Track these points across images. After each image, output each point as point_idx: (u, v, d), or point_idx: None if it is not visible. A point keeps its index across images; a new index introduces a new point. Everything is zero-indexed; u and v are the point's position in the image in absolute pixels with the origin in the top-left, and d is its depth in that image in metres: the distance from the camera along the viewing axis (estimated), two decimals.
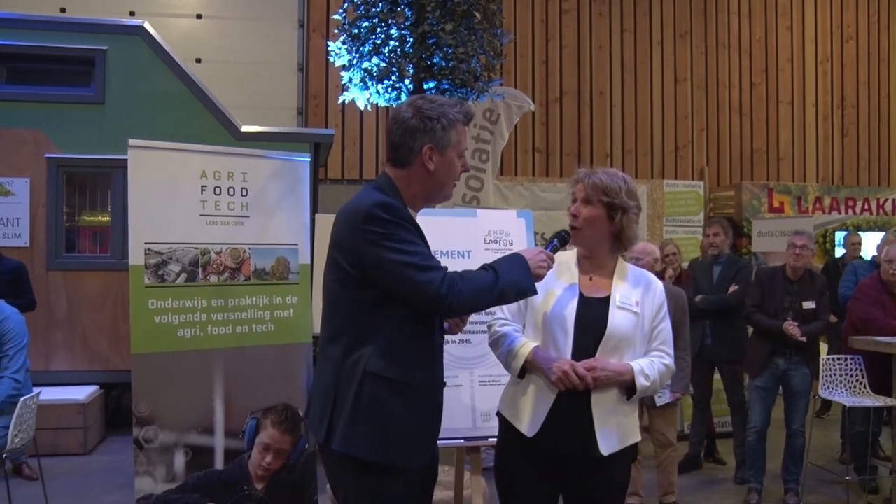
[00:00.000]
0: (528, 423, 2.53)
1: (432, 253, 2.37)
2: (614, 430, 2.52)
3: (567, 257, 2.69)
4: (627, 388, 2.52)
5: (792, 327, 5.15)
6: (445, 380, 2.51)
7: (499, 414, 2.70)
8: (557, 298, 2.56)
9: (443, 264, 2.29)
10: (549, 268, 2.45)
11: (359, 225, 2.25)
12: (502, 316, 2.65)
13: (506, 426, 2.64)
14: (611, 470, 2.56)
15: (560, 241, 2.57)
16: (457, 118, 2.38)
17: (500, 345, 2.60)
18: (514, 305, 2.62)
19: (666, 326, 2.65)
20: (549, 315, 2.55)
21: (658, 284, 2.68)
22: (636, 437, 2.62)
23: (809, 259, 5.39)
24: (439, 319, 2.46)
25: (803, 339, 5.13)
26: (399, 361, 2.29)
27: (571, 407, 2.47)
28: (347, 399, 2.27)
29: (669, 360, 2.62)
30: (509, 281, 2.31)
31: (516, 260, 2.39)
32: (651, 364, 2.55)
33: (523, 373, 2.55)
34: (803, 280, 5.35)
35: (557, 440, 2.50)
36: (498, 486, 2.66)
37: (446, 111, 2.37)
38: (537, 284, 2.46)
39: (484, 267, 2.36)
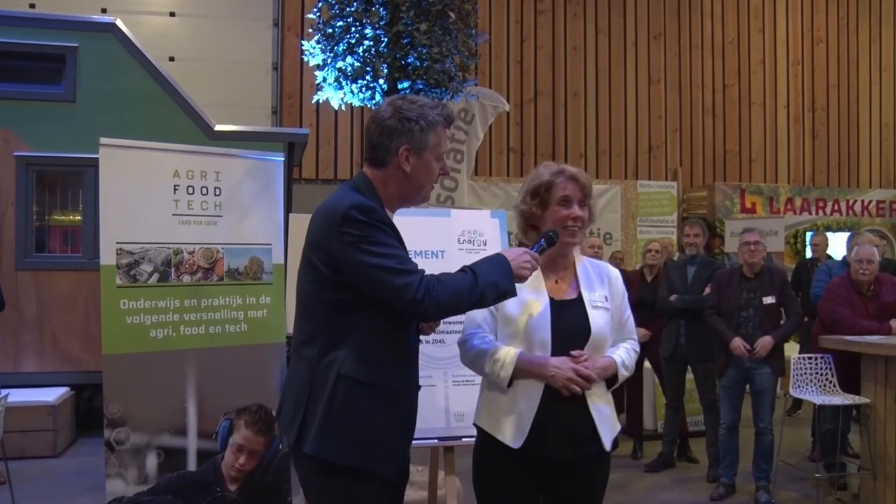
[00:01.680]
0: (512, 433, 2.46)
1: (408, 254, 2.36)
2: (609, 421, 2.54)
3: None
4: (609, 379, 2.55)
5: (739, 346, 5.27)
6: (419, 380, 2.49)
7: (476, 425, 2.62)
8: (528, 307, 2.51)
9: (418, 265, 2.27)
10: (534, 269, 2.39)
11: (335, 226, 2.20)
12: (477, 329, 2.56)
13: (485, 437, 2.56)
14: (596, 469, 2.56)
15: (547, 241, 2.49)
16: (436, 120, 2.34)
17: (483, 358, 2.50)
18: (486, 315, 2.56)
19: (630, 315, 2.70)
20: (523, 324, 2.50)
21: (615, 273, 2.70)
22: (619, 425, 2.66)
23: (763, 254, 5.49)
24: (415, 322, 2.42)
25: (755, 353, 5.26)
26: (374, 364, 2.25)
27: (561, 409, 2.44)
28: (321, 402, 2.23)
29: (637, 346, 2.69)
30: (489, 283, 2.26)
31: (497, 261, 2.33)
32: (628, 353, 2.60)
33: (511, 381, 2.46)
34: (761, 276, 5.43)
35: (551, 446, 2.45)
36: (477, 496, 2.61)
37: (426, 113, 2.32)
38: None
39: (463, 269, 2.30)
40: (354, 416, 2.23)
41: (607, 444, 2.51)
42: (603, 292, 2.59)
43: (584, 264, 2.66)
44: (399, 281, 2.18)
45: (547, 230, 2.53)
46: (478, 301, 2.29)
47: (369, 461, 2.25)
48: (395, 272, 2.18)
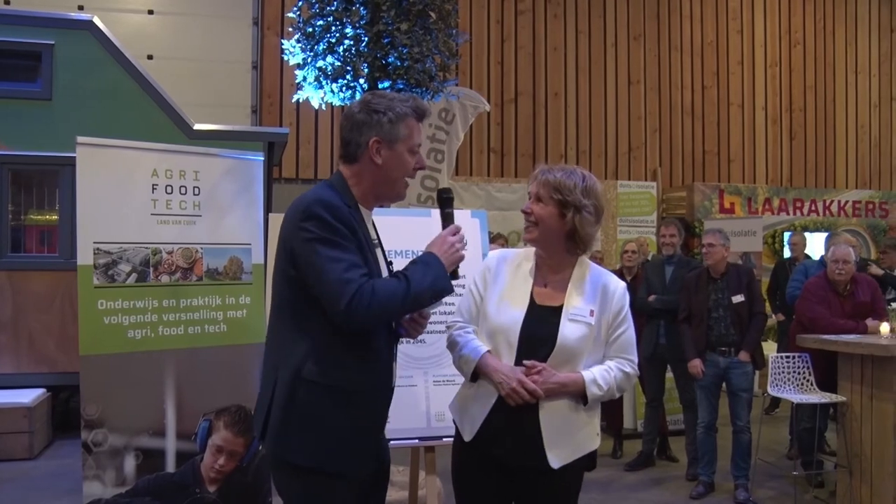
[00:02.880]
0: (467, 427, 2.51)
1: (368, 257, 2.29)
2: (566, 439, 2.45)
3: (524, 259, 2.61)
4: (581, 395, 2.45)
5: (697, 367, 5.44)
6: (399, 380, 2.48)
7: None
8: (507, 306, 2.50)
9: (364, 273, 2.19)
10: (463, 243, 2.39)
11: (297, 221, 2.20)
12: (459, 319, 2.60)
13: (456, 428, 2.61)
14: (562, 480, 2.49)
15: (446, 206, 2.47)
16: (406, 112, 2.33)
17: (454, 348, 2.56)
18: (470, 305, 2.58)
19: (626, 331, 2.55)
20: (496, 324, 2.50)
21: (618, 287, 2.57)
22: (592, 445, 2.54)
23: (722, 254, 5.51)
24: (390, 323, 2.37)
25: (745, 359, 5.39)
26: (335, 367, 2.22)
27: (516, 414, 2.41)
28: (283, 405, 2.22)
29: (630, 368, 2.54)
30: (423, 287, 2.24)
31: (429, 261, 2.31)
32: (607, 371, 2.48)
33: (475, 377, 2.50)
34: (728, 275, 5.49)
35: (503, 449, 2.45)
36: (454, 488, 2.64)
37: (394, 105, 2.32)
38: (488, 285, 2.48)
39: (397, 275, 2.27)
40: (316, 420, 2.21)
41: (553, 463, 2.41)
42: (591, 306, 2.50)
43: (584, 273, 2.57)
44: (335, 288, 2.14)
45: (440, 194, 2.53)
46: (412, 306, 2.29)
47: (335, 463, 2.23)
48: (336, 278, 2.14)
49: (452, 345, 2.58)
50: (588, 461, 2.55)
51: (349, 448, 2.25)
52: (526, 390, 2.36)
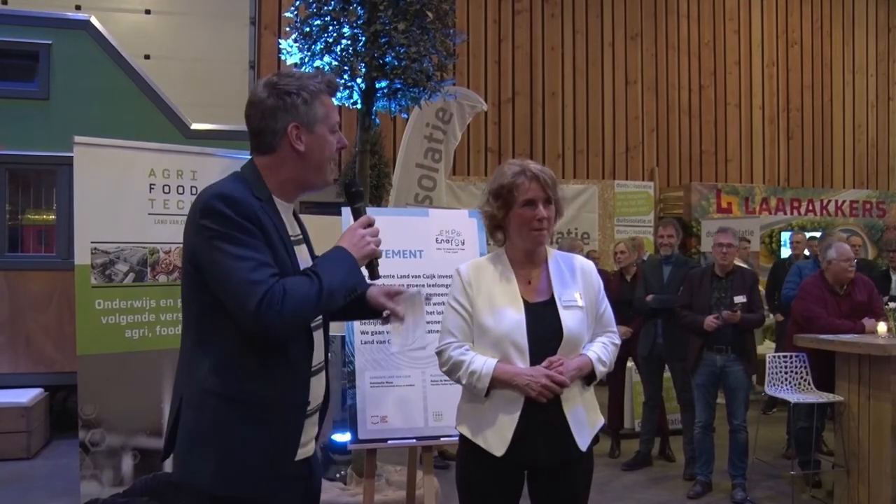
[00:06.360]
0: (496, 442, 2.46)
1: (275, 255, 2.07)
2: (585, 421, 2.52)
3: (496, 262, 2.60)
4: (586, 376, 2.53)
5: (711, 321, 5.30)
6: (396, 380, 2.46)
7: (459, 433, 2.60)
8: (503, 312, 2.49)
9: (274, 272, 2.00)
10: (374, 232, 2.18)
11: (197, 219, 1.98)
12: (452, 339, 2.54)
13: (468, 443, 2.54)
14: (578, 470, 2.55)
15: (356, 200, 2.30)
16: (319, 89, 2.11)
17: (459, 369, 2.49)
18: (460, 323, 2.54)
19: (608, 306, 2.68)
20: (500, 332, 2.47)
21: (591, 266, 2.67)
22: (601, 420, 2.63)
23: (736, 255, 5.56)
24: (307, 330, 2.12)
25: (734, 318, 5.28)
26: (240, 378, 1.99)
27: (544, 414, 2.43)
28: (186, 421, 2.02)
29: (617, 339, 2.68)
30: (335, 284, 2.03)
31: (340, 257, 2.10)
32: (604, 347, 2.58)
33: (488, 391, 2.46)
34: (732, 276, 5.50)
35: (534, 452, 2.46)
36: (461, 498, 2.60)
37: (306, 83, 2.09)
38: (473, 298, 2.49)
39: (307, 273, 2.04)
40: (221, 437, 1.98)
41: (583, 446, 2.49)
42: (576, 290, 2.56)
43: (557, 260, 2.62)
44: (241, 290, 1.91)
45: (349, 187, 2.34)
46: (326, 306, 2.05)
47: (242, 487, 1.99)
48: (242, 278, 1.91)
49: (456, 366, 2.49)
50: (596, 436, 2.62)
51: (259, 470, 2.01)
52: (555, 383, 2.38)
